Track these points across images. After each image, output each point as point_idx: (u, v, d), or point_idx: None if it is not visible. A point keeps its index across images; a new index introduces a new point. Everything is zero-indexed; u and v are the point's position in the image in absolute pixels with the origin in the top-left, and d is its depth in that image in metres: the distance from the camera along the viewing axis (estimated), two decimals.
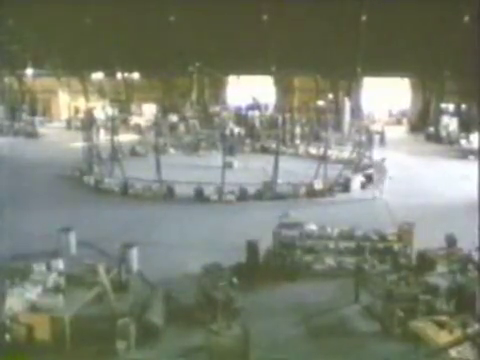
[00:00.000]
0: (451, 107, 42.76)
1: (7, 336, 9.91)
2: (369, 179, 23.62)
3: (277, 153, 23.07)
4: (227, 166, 22.87)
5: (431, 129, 39.63)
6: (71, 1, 36.23)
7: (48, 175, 24.87)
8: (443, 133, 38.17)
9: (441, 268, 12.70)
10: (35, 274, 11.56)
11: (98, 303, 11.13)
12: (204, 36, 38.10)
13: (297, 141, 33.92)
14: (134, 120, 43.46)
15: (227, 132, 33.55)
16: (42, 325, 10.09)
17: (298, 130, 35.18)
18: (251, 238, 13.81)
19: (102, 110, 43.71)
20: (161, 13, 36.94)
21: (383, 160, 23.92)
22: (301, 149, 31.79)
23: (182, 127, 38.48)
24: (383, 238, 13.87)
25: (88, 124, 28.41)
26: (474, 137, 33.87)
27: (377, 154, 27.21)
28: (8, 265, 12.11)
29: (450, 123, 39.15)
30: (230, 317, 10.36)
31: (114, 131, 26.45)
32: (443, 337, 9.24)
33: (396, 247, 13.77)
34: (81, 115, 45.16)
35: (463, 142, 35.31)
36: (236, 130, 35.84)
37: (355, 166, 25.28)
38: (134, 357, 9.74)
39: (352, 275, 12.53)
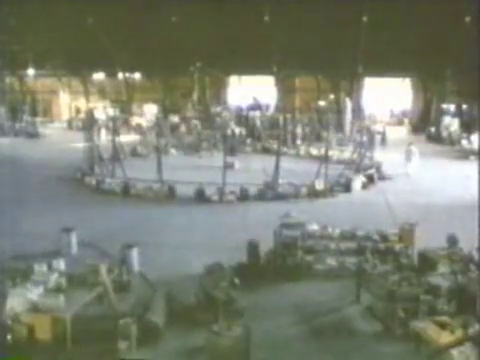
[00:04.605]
0: (452, 107, 42.76)
1: (8, 336, 9.91)
2: (370, 179, 23.66)
3: (278, 153, 23.08)
4: (228, 166, 22.88)
5: (432, 129, 39.65)
6: (72, 1, 36.29)
7: (49, 175, 24.87)
8: (444, 133, 38.18)
9: (442, 268, 12.67)
10: (36, 274, 11.56)
11: (99, 303, 11.13)
12: (205, 36, 38.17)
13: (298, 141, 33.92)
14: (135, 120, 43.49)
15: (228, 132, 33.55)
16: (43, 325, 10.09)
17: (299, 130, 35.18)
18: (252, 238, 13.81)
19: (103, 110, 43.77)
20: (163, 13, 36.95)
21: (410, 144, 26.91)
22: (302, 149, 31.78)
23: (183, 127, 38.48)
24: (384, 238, 13.84)
25: (89, 124, 28.42)
26: (475, 138, 33.85)
27: (378, 155, 27.36)
28: (9, 265, 12.11)
29: (451, 123, 39.16)
30: (231, 317, 10.36)
31: (115, 131, 26.46)
32: (444, 337, 9.24)
33: (397, 247, 13.77)
34: (82, 115, 45.24)
35: (464, 142, 35.29)
36: (237, 130, 35.85)
37: (356, 166, 25.29)
38: (135, 357, 9.74)
39: (353, 275, 12.53)
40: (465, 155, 31.11)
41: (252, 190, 21.29)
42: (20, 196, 20.68)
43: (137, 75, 47.68)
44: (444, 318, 9.91)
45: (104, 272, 11.06)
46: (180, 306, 11.37)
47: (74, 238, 14.89)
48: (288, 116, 36.34)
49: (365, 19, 36.33)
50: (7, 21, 37.49)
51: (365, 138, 27.57)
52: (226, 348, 9.30)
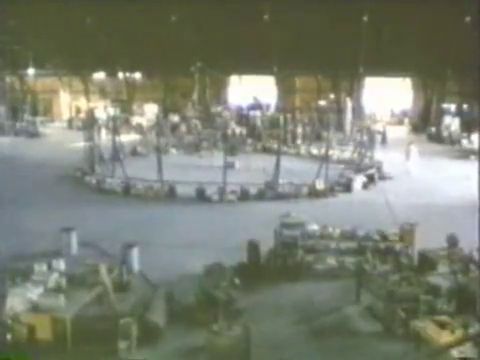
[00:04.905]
0: (452, 107, 42.75)
1: (8, 336, 9.91)
2: (371, 179, 23.65)
3: (278, 153, 23.07)
4: (228, 166, 22.86)
5: (433, 129, 39.65)
6: (73, 1, 36.28)
7: (50, 175, 24.87)
8: (445, 133, 38.19)
9: (442, 268, 12.67)
10: (36, 274, 11.55)
11: (99, 303, 11.12)
12: (206, 36, 38.14)
13: (299, 141, 33.92)
14: (135, 120, 43.49)
15: (228, 132, 33.54)
16: (43, 325, 10.09)
17: (300, 130, 35.17)
18: (252, 238, 13.81)
19: (103, 110, 43.71)
20: (163, 13, 36.93)
21: (410, 143, 27.50)
22: (303, 149, 31.77)
23: (183, 127, 38.46)
24: (385, 238, 13.85)
25: (89, 124, 28.37)
26: (475, 137, 33.84)
27: (378, 154, 27.36)
28: (9, 265, 12.11)
29: (452, 123, 39.16)
30: (231, 317, 10.36)
31: (115, 131, 26.45)
32: (444, 337, 9.24)
33: (398, 247, 13.77)
34: (82, 115, 45.20)
35: (464, 142, 35.29)
36: (237, 130, 35.86)
37: (357, 166, 25.28)
38: (135, 357, 9.74)
39: (353, 275, 12.53)
40: (465, 155, 31.10)
41: (252, 190, 21.29)
42: (20, 195, 20.69)
43: (137, 75, 47.68)
44: (444, 318, 9.91)
45: (104, 272, 11.06)
46: (180, 306, 11.38)
47: (74, 238, 14.89)
48: (288, 116, 36.32)
49: (365, 19, 36.31)
50: (7, 21, 37.51)
51: (365, 138, 27.58)
52: (226, 348, 9.31)
